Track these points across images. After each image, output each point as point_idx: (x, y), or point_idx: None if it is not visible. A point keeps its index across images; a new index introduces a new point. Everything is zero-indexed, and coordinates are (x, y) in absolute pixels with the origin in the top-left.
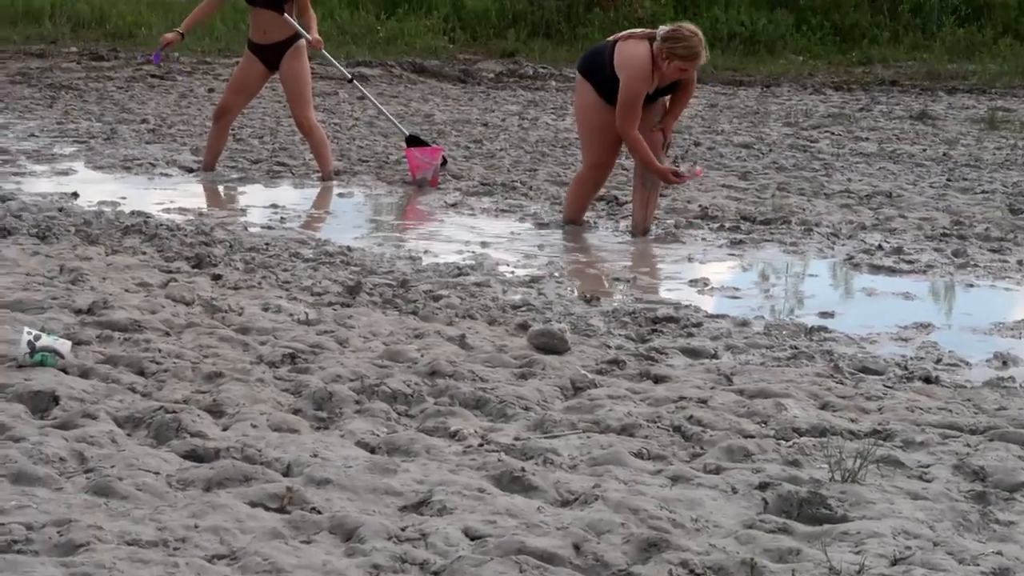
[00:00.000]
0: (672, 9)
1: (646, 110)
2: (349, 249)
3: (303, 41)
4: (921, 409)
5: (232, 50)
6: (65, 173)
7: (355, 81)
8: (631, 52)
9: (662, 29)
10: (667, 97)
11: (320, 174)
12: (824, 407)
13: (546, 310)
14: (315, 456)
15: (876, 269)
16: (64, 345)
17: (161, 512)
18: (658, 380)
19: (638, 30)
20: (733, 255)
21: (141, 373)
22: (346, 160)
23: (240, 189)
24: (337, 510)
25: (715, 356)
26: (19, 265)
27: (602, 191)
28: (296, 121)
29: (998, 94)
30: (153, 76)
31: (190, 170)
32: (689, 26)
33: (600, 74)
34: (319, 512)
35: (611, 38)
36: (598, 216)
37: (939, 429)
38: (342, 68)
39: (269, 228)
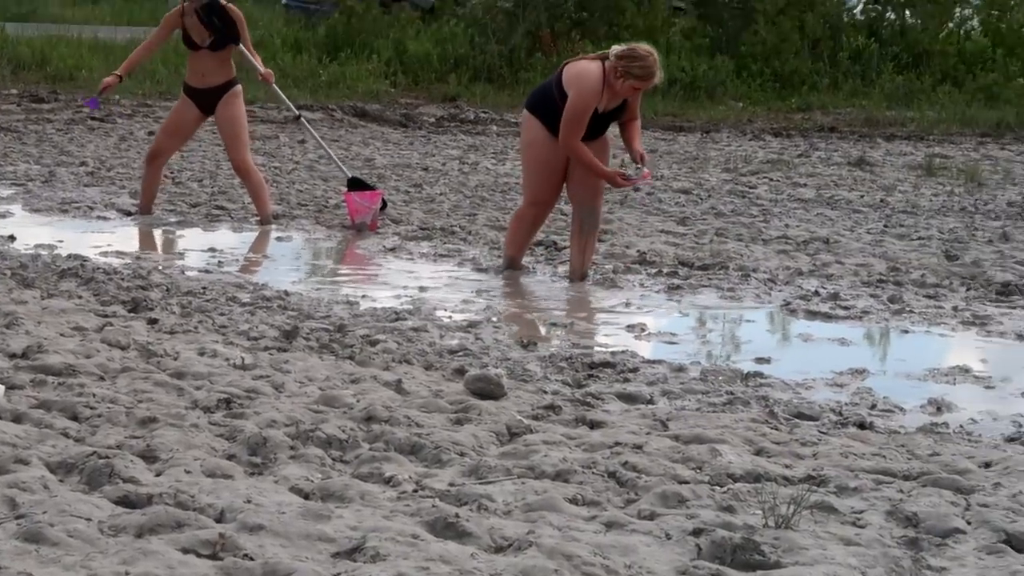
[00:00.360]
0: None
1: (597, 148)
2: (286, 293)
3: (239, 86)
4: (855, 455)
5: (173, 93)
6: (2, 216)
7: (302, 118)
8: (582, 68)
9: (615, 48)
10: (616, 132)
11: (258, 218)
12: (759, 453)
13: (483, 355)
14: (248, 502)
15: (812, 315)
16: None
17: (92, 559)
18: (594, 425)
19: (589, 54)
20: (671, 300)
21: (75, 418)
22: (285, 204)
23: (178, 232)
24: (270, 556)
25: (651, 402)
26: None
27: (540, 236)
28: (233, 164)
29: (936, 141)
30: (93, 119)
31: (128, 213)
32: (644, 46)
33: (548, 106)
34: (251, 559)
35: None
36: (536, 261)
37: (873, 475)
38: (290, 104)
39: (207, 272)
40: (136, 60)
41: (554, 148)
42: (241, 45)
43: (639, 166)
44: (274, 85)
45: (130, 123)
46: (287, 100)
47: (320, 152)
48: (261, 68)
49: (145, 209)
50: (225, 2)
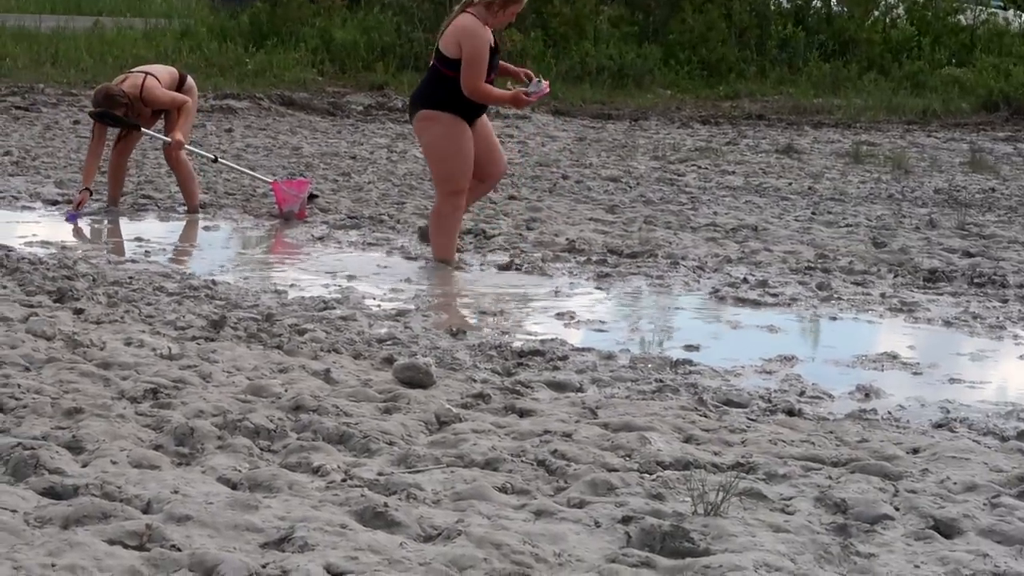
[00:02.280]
0: (541, 43)
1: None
2: (214, 283)
3: (190, 82)
4: (784, 442)
5: (98, 81)
6: None
7: (219, 160)
8: (457, 25)
9: None
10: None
11: (186, 207)
12: (688, 440)
13: (412, 344)
14: (176, 492)
15: (741, 302)
16: None
17: (18, 551)
18: (523, 414)
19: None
20: (600, 288)
21: (0, 409)
22: (212, 193)
23: (104, 222)
24: (197, 547)
25: (580, 389)
26: None
27: (469, 224)
28: (164, 153)
29: (862, 128)
30: (17, 108)
31: (54, 203)
32: None
33: (440, 90)
34: (179, 549)
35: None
36: (465, 249)
37: (801, 462)
38: (203, 153)
39: (133, 261)
40: (92, 167)
41: (465, 130)
42: (143, 129)
43: (537, 79)
44: (187, 146)
45: (55, 112)
46: (200, 151)
47: (247, 141)
48: (171, 138)
49: (114, 199)
50: (128, 95)
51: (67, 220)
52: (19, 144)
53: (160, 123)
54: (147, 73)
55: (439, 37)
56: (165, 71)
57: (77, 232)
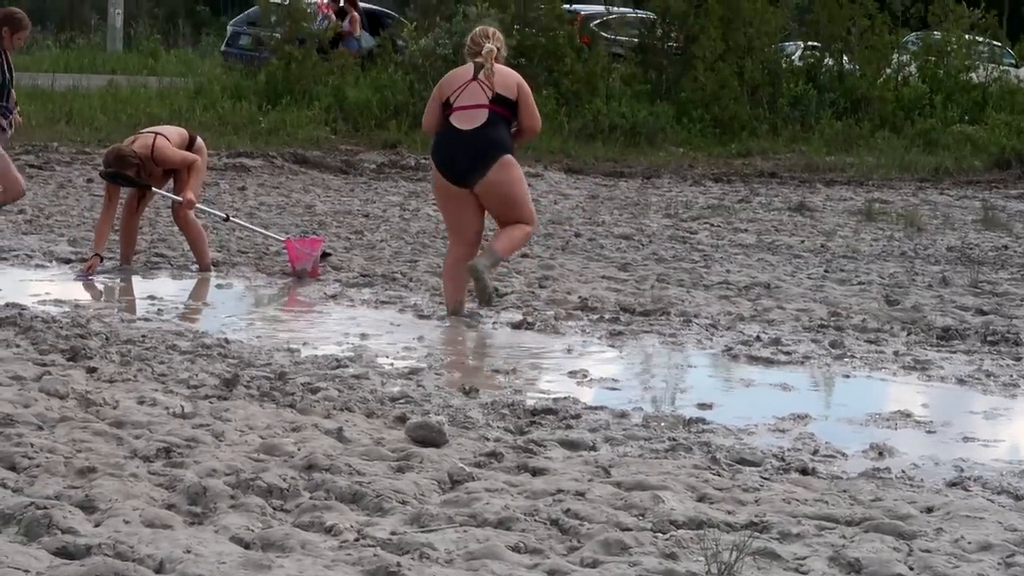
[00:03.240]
0: (554, 100)
1: None
2: (227, 341)
3: (200, 143)
4: (797, 501)
5: (112, 139)
6: None
7: (231, 219)
8: (503, 71)
9: (488, 47)
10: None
11: (198, 266)
12: (701, 499)
13: (425, 402)
14: (188, 552)
15: (754, 360)
16: None
17: None
18: (536, 473)
19: (468, 71)
20: (612, 347)
21: (12, 468)
22: (225, 251)
23: (117, 280)
24: None
25: (593, 448)
26: None
27: None
28: (173, 213)
29: (875, 186)
30: (31, 166)
31: (67, 261)
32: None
33: (506, 132)
34: None
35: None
36: (479, 308)
37: (815, 521)
38: (215, 212)
39: (146, 320)
40: (103, 232)
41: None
42: (154, 189)
43: None
44: (198, 205)
45: (68, 170)
46: (211, 210)
47: (261, 199)
48: (183, 197)
49: (126, 258)
50: (139, 156)
51: (77, 277)
52: (33, 203)
53: (171, 183)
54: (157, 133)
55: (481, 82)
56: (175, 131)
57: (90, 291)
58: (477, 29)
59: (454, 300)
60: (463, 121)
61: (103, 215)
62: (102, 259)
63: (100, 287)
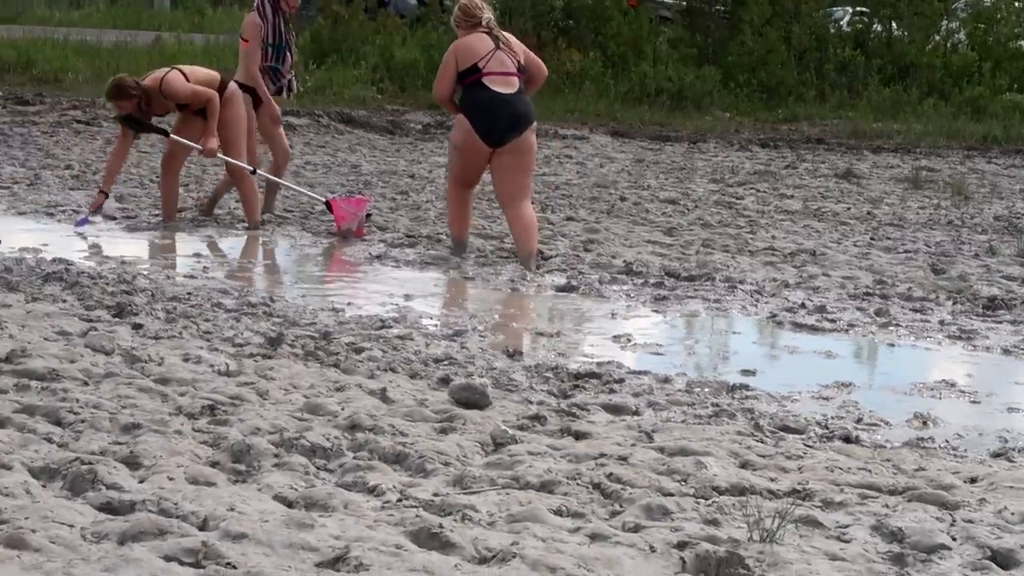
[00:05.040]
0: (600, 64)
1: None
2: (272, 300)
3: (231, 89)
4: (840, 469)
5: None
6: None
7: (258, 172)
8: (511, 38)
9: (488, 14)
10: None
11: (247, 223)
12: (744, 466)
13: (468, 364)
14: (232, 510)
15: (799, 327)
16: None
17: (74, 566)
18: (579, 436)
19: (477, 30)
20: (657, 311)
21: (58, 423)
22: (272, 210)
23: (164, 238)
24: (252, 566)
25: (637, 413)
26: None
27: None
28: (227, 168)
29: (922, 154)
30: (78, 122)
31: (113, 218)
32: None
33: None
34: (234, 567)
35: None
36: (525, 270)
37: (858, 489)
38: (242, 164)
39: (192, 277)
40: (114, 171)
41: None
42: (172, 136)
43: None
44: (219, 154)
45: (115, 126)
46: (238, 162)
47: (307, 158)
48: (202, 145)
49: (169, 217)
50: (144, 88)
51: (78, 224)
52: (80, 158)
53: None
54: (174, 68)
55: (510, 54)
56: (203, 71)
57: (136, 247)
58: (464, 1)
59: (465, 232)
60: (503, 86)
61: (115, 153)
62: (107, 196)
63: (146, 243)
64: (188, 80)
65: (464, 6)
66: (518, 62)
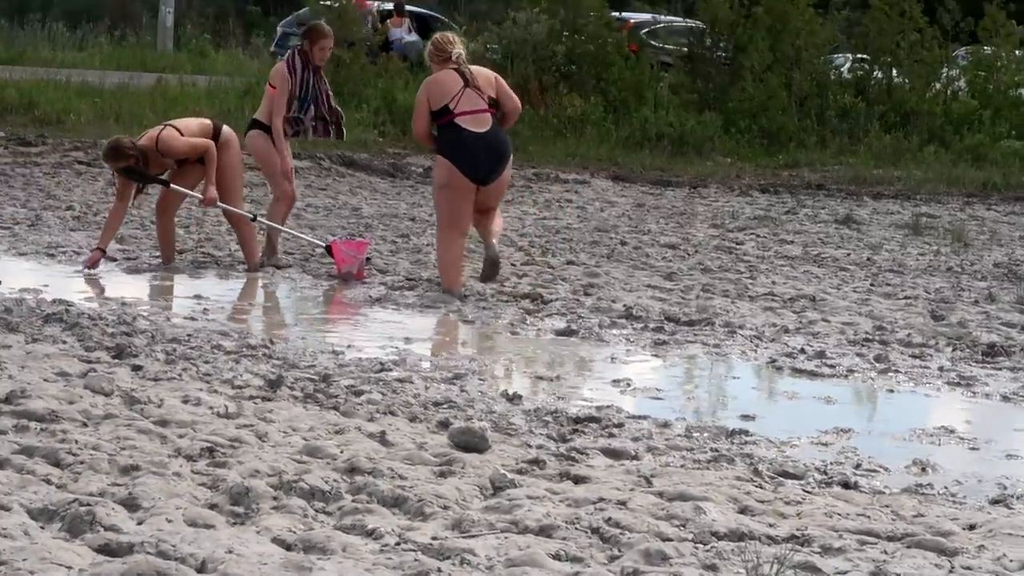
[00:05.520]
0: (602, 108)
1: None
2: (272, 342)
3: (226, 133)
4: (839, 515)
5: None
6: None
7: (258, 219)
8: (486, 71)
9: (459, 50)
10: None
11: (246, 265)
12: (743, 511)
13: (468, 408)
14: (230, 552)
15: (798, 373)
16: None
17: None
18: (578, 481)
19: (447, 66)
20: (656, 356)
21: (57, 464)
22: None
23: (164, 279)
24: None
25: (636, 457)
26: None
27: (527, 288)
28: (226, 215)
29: (922, 200)
30: (80, 163)
31: (113, 259)
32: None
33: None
34: None
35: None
36: (525, 314)
37: (857, 535)
38: (242, 212)
39: (192, 319)
40: (112, 229)
41: None
42: (172, 186)
43: None
44: (219, 204)
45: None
46: (241, 211)
47: (308, 200)
48: (202, 195)
49: (168, 259)
50: (139, 148)
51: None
52: (81, 199)
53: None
54: (166, 124)
55: (474, 88)
56: (195, 122)
57: (136, 288)
58: (437, 35)
59: (459, 283)
60: (475, 125)
61: (114, 210)
62: (104, 253)
63: (147, 285)
64: (183, 134)
65: (436, 41)
66: (489, 98)
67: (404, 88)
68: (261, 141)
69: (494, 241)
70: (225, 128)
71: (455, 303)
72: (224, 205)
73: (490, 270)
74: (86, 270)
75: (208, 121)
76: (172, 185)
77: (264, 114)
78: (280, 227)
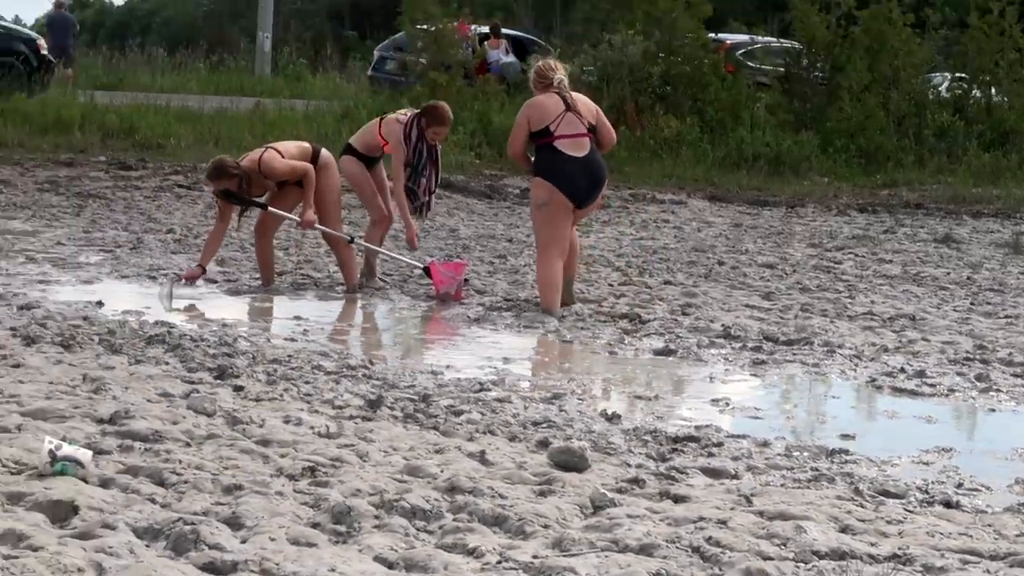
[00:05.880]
0: (698, 129)
1: None
2: (371, 362)
3: (325, 156)
4: (941, 534)
5: None
6: (90, 282)
7: (355, 241)
8: (585, 98)
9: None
10: None
11: (345, 287)
12: (844, 530)
13: (567, 427)
14: (333, 570)
15: (898, 392)
16: (85, 455)
17: None
18: (678, 500)
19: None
20: (755, 375)
21: (161, 484)
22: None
23: (264, 301)
24: None
25: (735, 476)
26: (42, 373)
27: (625, 308)
28: (325, 237)
29: (1023, 219)
30: (180, 186)
31: (214, 281)
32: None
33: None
34: None
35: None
36: (623, 334)
37: (959, 554)
38: (339, 234)
39: (292, 340)
40: (213, 247)
41: None
42: (271, 209)
43: None
44: (317, 225)
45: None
46: (336, 232)
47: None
48: (301, 217)
49: (267, 281)
50: (243, 168)
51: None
52: (181, 222)
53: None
54: (268, 147)
55: (578, 116)
56: (294, 145)
57: (237, 310)
58: (540, 62)
59: (558, 303)
60: (574, 149)
61: (214, 230)
62: (204, 271)
63: (247, 307)
64: (283, 157)
65: (539, 68)
66: (588, 124)
67: (500, 110)
68: (355, 167)
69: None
70: (324, 151)
71: (553, 323)
72: (322, 227)
73: (566, 294)
74: (183, 282)
75: (307, 144)
76: (271, 208)
77: (360, 143)
78: (378, 248)
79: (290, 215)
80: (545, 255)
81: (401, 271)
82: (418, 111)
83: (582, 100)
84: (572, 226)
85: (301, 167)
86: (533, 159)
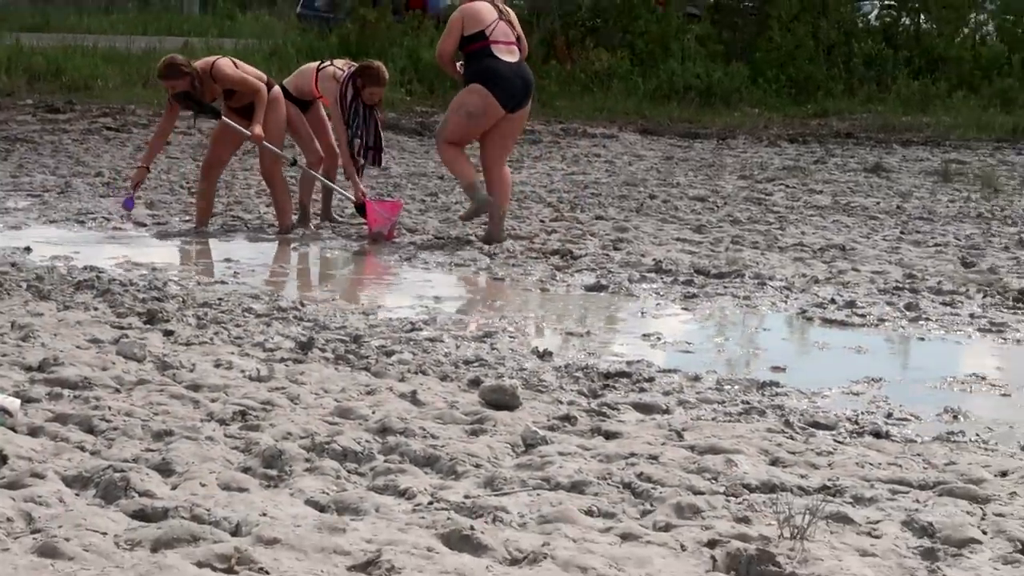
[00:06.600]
0: (628, 61)
1: None
2: (302, 304)
3: (275, 92)
4: (871, 464)
5: None
6: (17, 227)
7: (298, 162)
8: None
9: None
10: None
11: (277, 227)
12: (774, 463)
13: (498, 366)
14: (264, 515)
15: (828, 323)
16: (13, 403)
17: (108, 573)
18: (609, 436)
19: None
20: (686, 309)
21: (91, 431)
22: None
23: (194, 244)
24: (285, 570)
25: (667, 411)
26: None
27: (556, 244)
28: (262, 171)
29: (952, 147)
30: (108, 128)
31: (143, 224)
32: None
33: None
34: (267, 572)
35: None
36: (554, 270)
37: (888, 484)
38: (282, 155)
39: (222, 283)
40: (156, 147)
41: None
42: (224, 118)
43: None
44: (264, 143)
45: (145, 133)
46: (280, 153)
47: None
48: (250, 131)
49: (202, 223)
50: (195, 69)
51: (124, 206)
52: (110, 165)
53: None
54: (225, 57)
55: (509, 26)
56: (252, 69)
57: (166, 253)
58: None
59: (474, 173)
60: (507, 54)
61: (159, 130)
62: (148, 170)
63: (176, 249)
64: (236, 67)
65: None
66: (517, 35)
67: (430, 46)
68: (290, 108)
69: (504, 213)
70: (276, 88)
71: (484, 260)
72: (269, 145)
73: (496, 230)
74: (133, 192)
75: (264, 76)
76: (223, 118)
77: (293, 86)
78: (317, 175)
79: (241, 129)
80: (448, 146)
81: (333, 209)
82: (353, 71)
83: (511, 12)
84: (501, 154)
85: (253, 82)
86: (464, 66)
